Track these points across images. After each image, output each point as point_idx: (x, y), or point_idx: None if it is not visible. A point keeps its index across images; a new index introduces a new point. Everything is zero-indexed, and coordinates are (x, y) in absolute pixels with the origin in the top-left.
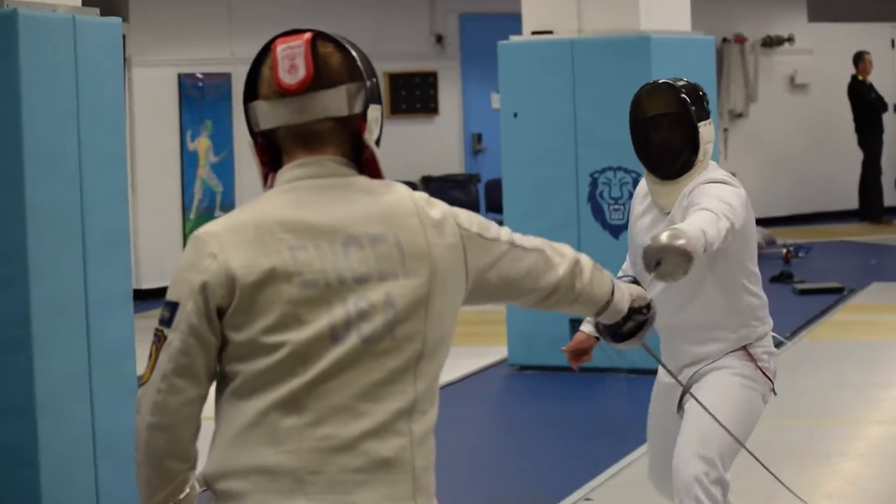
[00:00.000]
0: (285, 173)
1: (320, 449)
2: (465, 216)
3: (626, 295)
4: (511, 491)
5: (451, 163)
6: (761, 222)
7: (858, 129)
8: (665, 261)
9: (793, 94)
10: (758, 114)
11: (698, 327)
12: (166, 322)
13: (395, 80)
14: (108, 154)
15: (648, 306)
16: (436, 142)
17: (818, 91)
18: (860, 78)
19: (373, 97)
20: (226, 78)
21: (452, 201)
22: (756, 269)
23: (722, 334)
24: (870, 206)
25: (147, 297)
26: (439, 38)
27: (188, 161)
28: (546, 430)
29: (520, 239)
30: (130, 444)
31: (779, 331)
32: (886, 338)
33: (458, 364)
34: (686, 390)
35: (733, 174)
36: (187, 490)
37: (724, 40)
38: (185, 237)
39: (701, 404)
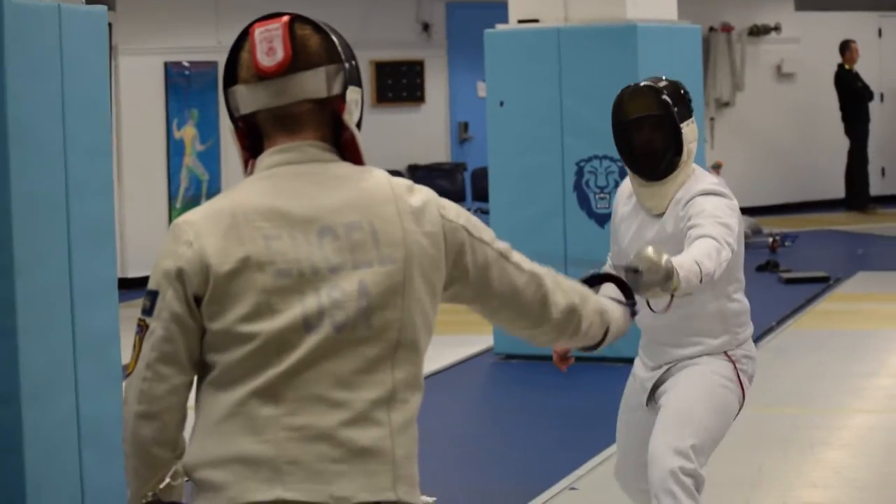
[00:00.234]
0: (265, 159)
1: (298, 438)
2: (452, 208)
3: (612, 336)
4: (497, 480)
5: (438, 151)
6: (747, 211)
7: (844, 118)
8: (644, 273)
9: (779, 83)
10: (744, 103)
11: (682, 332)
12: (148, 311)
13: (382, 68)
14: (93, 143)
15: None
16: (422, 130)
17: (805, 80)
18: (846, 67)
19: (352, 79)
20: (212, 66)
21: (438, 190)
22: (742, 276)
23: (704, 340)
24: (856, 195)
25: (133, 286)
26: (426, 27)
27: (174, 150)
28: (531, 420)
29: (517, 256)
30: (115, 433)
31: (764, 321)
32: (872, 327)
33: (443, 353)
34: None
35: (719, 164)
36: (167, 480)
37: (711, 29)
38: None
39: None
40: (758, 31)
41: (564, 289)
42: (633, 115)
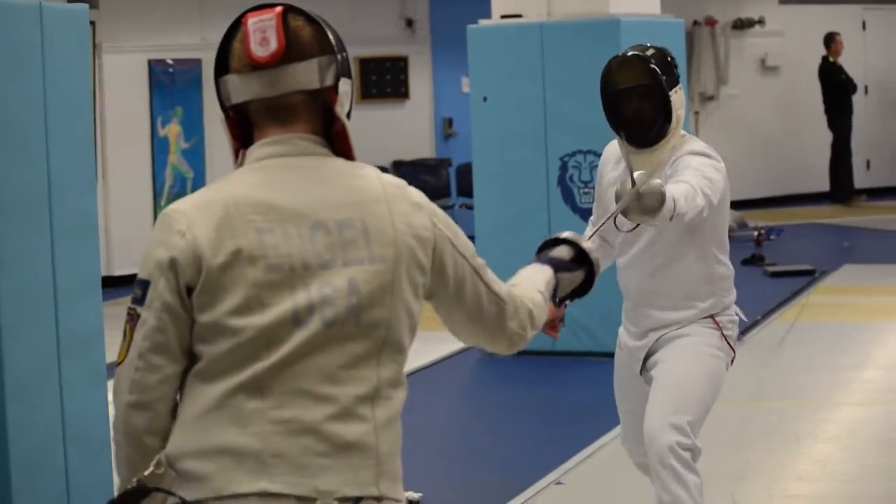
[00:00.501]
0: (255, 150)
1: (284, 432)
2: (442, 218)
3: (543, 305)
4: (483, 476)
5: (422, 147)
6: (733, 205)
7: (827, 111)
8: (643, 197)
9: (764, 77)
10: (729, 96)
11: (669, 294)
12: (139, 300)
13: (366, 64)
14: (75, 140)
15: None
16: (407, 126)
17: (789, 73)
18: (831, 59)
19: (343, 71)
20: (196, 64)
21: (423, 186)
22: (726, 240)
23: (693, 303)
24: (840, 188)
25: (119, 284)
26: (410, 23)
27: (159, 147)
28: (517, 415)
29: (489, 276)
30: (100, 431)
31: (749, 314)
32: (857, 320)
33: (429, 349)
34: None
35: None
36: (151, 468)
37: (695, 23)
38: None
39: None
40: (742, 25)
41: (519, 313)
42: (621, 84)
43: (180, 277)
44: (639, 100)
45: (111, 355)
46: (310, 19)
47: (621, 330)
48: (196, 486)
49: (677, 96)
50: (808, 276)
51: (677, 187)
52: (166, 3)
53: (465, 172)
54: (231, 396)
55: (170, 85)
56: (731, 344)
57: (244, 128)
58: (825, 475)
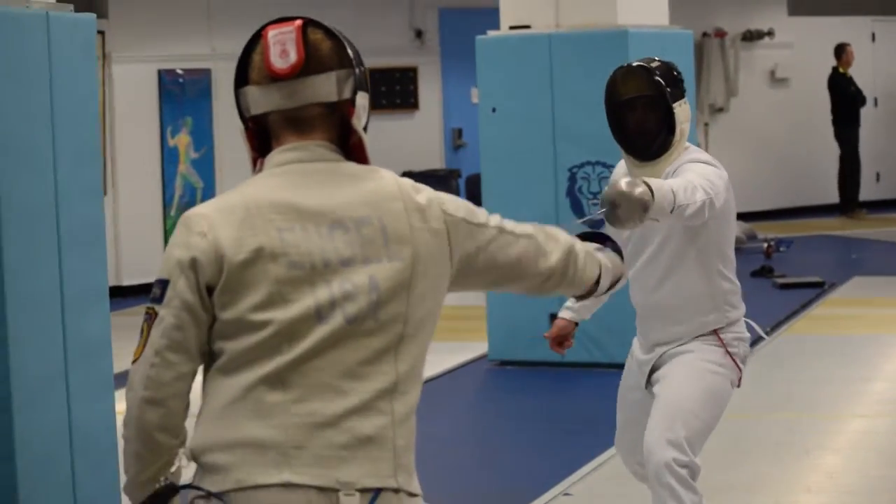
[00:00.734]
0: (274, 157)
1: (305, 424)
2: (451, 202)
3: (609, 274)
4: (491, 486)
5: (432, 158)
6: (742, 217)
7: (836, 122)
8: (621, 206)
9: (773, 89)
10: (738, 108)
11: (672, 307)
12: (158, 299)
13: (375, 75)
14: (82, 150)
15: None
16: (416, 137)
17: (799, 85)
18: (841, 70)
19: (361, 84)
20: (206, 74)
21: None
22: (732, 255)
23: (694, 316)
24: (846, 201)
25: (128, 294)
26: (419, 33)
27: (168, 157)
28: (526, 426)
29: (510, 225)
30: (107, 440)
31: (758, 325)
32: (867, 332)
33: (438, 359)
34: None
35: None
36: (176, 464)
37: (704, 34)
38: (167, 234)
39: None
40: (751, 37)
41: (555, 236)
42: (626, 95)
43: (200, 277)
44: (642, 111)
45: (119, 365)
46: (329, 33)
47: (635, 340)
48: (219, 479)
49: (682, 109)
50: (818, 289)
51: (675, 181)
52: (176, 13)
53: (474, 183)
54: (253, 389)
55: (180, 95)
56: (738, 362)
57: (263, 138)
58: (833, 487)
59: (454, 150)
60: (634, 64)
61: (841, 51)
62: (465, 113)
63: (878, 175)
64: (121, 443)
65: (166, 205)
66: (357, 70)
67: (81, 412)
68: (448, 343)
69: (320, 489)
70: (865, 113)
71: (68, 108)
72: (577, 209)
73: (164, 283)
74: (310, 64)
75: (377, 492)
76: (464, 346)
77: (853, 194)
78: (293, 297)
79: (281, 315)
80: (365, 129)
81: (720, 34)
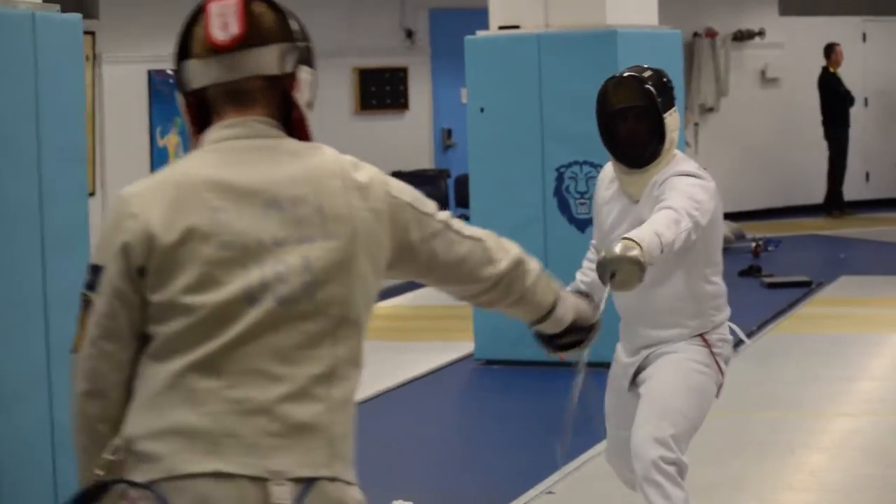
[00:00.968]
0: (212, 133)
1: (237, 412)
2: (396, 185)
3: (570, 310)
4: (475, 484)
5: (421, 158)
6: (731, 216)
7: (825, 122)
8: (619, 271)
9: (763, 89)
10: (729, 108)
11: (658, 312)
12: (91, 286)
13: (365, 75)
14: (67, 150)
15: (592, 328)
16: (406, 137)
17: (789, 85)
18: (831, 70)
19: (305, 59)
20: None
21: None
22: (720, 259)
23: (681, 321)
24: (831, 200)
25: None
26: (409, 33)
27: (158, 158)
28: (510, 424)
29: (459, 225)
30: None
31: (746, 325)
32: (854, 331)
33: (424, 359)
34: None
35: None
36: (117, 454)
37: (695, 35)
38: None
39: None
40: (742, 37)
41: (506, 247)
42: (617, 105)
43: (132, 261)
44: (634, 121)
45: None
46: (273, 6)
47: (618, 345)
48: (149, 468)
49: (672, 118)
50: (805, 288)
51: (657, 219)
52: (166, 13)
53: (463, 183)
54: (184, 376)
55: (169, 95)
56: (720, 364)
57: (203, 113)
58: (816, 485)
59: (444, 151)
60: (626, 74)
61: (830, 50)
62: (454, 113)
63: (867, 175)
64: (71, 423)
65: None
66: (301, 45)
67: (63, 409)
68: (434, 343)
69: (251, 479)
70: (856, 113)
71: (54, 109)
72: (565, 209)
73: (97, 270)
74: (251, 36)
75: (310, 481)
76: (449, 346)
77: (835, 194)
78: (224, 279)
79: (212, 298)
80: (310, 106)
81: (711, 34)
